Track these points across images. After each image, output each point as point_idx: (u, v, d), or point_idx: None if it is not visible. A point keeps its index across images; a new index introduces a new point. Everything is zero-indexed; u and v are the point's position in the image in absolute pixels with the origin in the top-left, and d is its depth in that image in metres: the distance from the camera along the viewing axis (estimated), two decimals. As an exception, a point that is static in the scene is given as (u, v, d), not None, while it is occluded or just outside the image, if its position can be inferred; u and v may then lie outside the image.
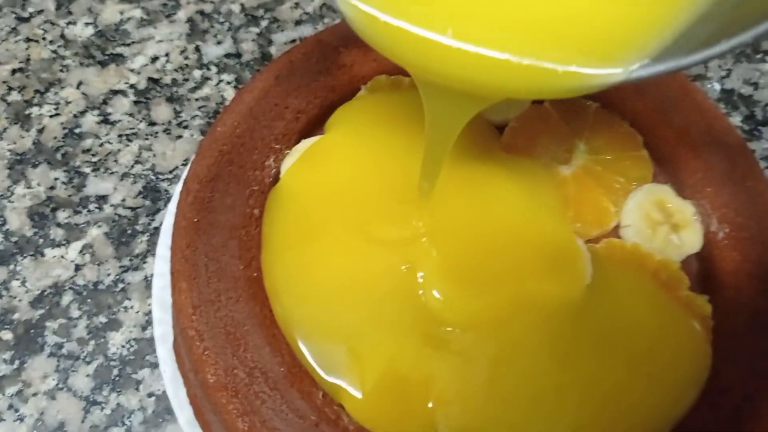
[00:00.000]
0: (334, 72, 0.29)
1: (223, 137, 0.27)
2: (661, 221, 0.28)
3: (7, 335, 0.29)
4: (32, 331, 0.29)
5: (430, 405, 0.23)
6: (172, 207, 0.30)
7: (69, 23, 0.36)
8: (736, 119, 0.37)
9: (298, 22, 0.37)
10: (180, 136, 0.34)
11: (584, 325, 0.25)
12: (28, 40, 0.36)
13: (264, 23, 0.37)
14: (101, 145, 0.33)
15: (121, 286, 0.30)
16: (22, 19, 0.36)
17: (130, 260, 0.31)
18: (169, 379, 0.27)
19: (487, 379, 0.24)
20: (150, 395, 0.29)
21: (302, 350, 0.24)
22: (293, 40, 0.37)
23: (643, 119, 0.30)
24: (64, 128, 0.34)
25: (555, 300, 0.25)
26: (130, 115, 0.34)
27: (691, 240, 0.28)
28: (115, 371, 0.29)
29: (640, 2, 0.18)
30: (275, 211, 0.26)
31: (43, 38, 0.36)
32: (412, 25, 0.17)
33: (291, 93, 0.28)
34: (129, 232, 0.31)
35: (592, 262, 0.27)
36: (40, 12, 0.37)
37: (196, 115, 0.34)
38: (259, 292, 0.25)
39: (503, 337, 0.24)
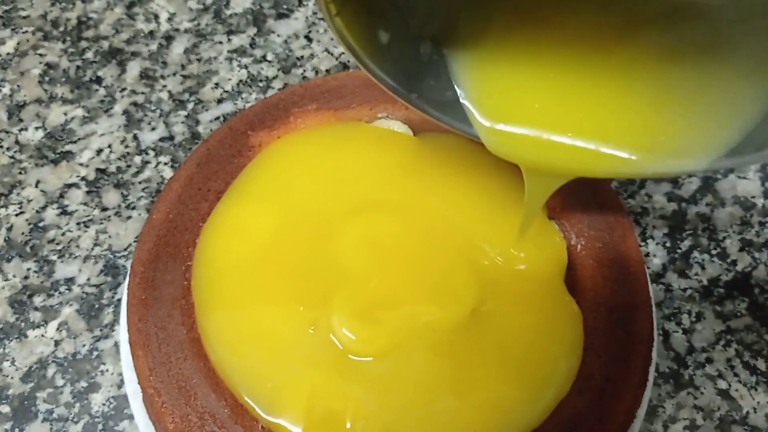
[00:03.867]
0: (246, 153, 0.35)
1: (159, 223, 0.33)
2: (531, 241, 0.34)
3: (5, 408, 0.35)
4: (26, 402, 0.35)
5: (348, 425, 0.29)
6: (128, 279, 0.35)
7: (21, 129, 0.42)
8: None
9: (219, 101, 0.43)
10: (129, 217, 0.39)
11: (474, 340, 0.31)
12: (-13, 149, 0.41)
13: (190, 105, 0.43)
14: (63, 234, 0.39)
15: (95, 353, 0.36)
16: (-20, 130, 0.42)
17: (101, 330, 0.36)
18: (144, 427, 0.32)
19: (391, 395, 0.29)
20: (131, 443, 0.34)
21: (241, 394, 0.29)
22: (217, 117, 0.42)
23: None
24: (29, 224, 0.39)
25: (442, 324, 0.31)
26: (85, 204, 0.40)
27: (557, 254, 0.34)
28: (100, 426, 0.34)
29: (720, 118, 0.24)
30: (199, 279, 0.31)
31: (0, 146, 0.41)
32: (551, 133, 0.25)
33: (211, 177, 0.34)
34: (96, 306, 0.37)
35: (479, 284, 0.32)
36: (-5, 123, 0.42)
37: (141, 196, 0.40)
38: (201, 350, 0.31)
39: (402, 359, 0.30)
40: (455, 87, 0.27)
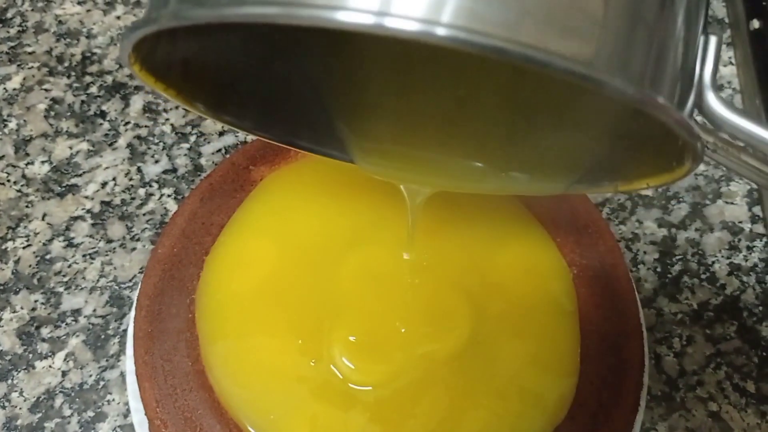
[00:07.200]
0: (247, 188, 0.36)
1: (164, 257, 0.34)
2: (523, 270, 0.35)
3: (14, 439, 0.36)
4: (34, 432, 0.36)
5: (350, 452, 0.30)
6: (134, 312, 0.36)
7: (28, 164, 0.43)
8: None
9: (221, 134, 0.44)
10: (134, 248, 0.40)
11: (472, 368, 0.32)
12: (-5, 184, 0.42)
13: (192, 138, 0.44)
14: (69, 266, 0.40)
15: (102, 383, 0.37)
16: (-13, 164, 0.43)
17: (107, 360, 0.37)
18: (150, 456, 0.33)
19: (391, 424, 0.30)
20: (137, 471, 0.35)
21: (245, 425, 0.30)
22: (219, 150, 0.43)
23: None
24: (36, 256, 0.40)
25: (439, 353, 0.32)
26: (90, 236, 0.41)
27: (550, 282, 0.35)
28: (107, 455, 0.35)
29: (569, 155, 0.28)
30: (203, 312, 0.32)
31: (8, 180, 0.42)
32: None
33: (214, 211, 0.35)
34: (103, 337, 0.38)
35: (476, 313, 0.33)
36: (2, 157, 0.43)
37: (146, 228, 0.41)
38: (206, 382, 0.31)
39: (401, 389, 0.31)
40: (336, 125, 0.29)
